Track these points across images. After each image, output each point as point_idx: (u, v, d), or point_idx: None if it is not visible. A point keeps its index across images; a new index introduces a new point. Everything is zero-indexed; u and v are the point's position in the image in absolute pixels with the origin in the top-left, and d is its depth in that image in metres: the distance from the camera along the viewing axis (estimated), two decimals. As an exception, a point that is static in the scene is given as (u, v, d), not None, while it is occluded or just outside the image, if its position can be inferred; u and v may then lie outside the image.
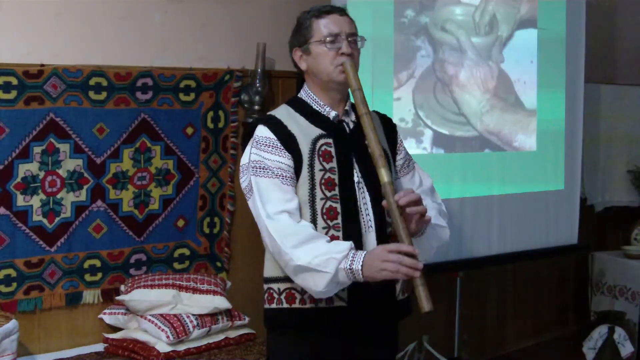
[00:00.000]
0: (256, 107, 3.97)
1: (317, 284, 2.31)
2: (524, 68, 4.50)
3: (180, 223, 3.87)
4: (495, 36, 4.37)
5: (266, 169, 2.41)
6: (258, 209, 2.39)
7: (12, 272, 3.38)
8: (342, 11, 2.52)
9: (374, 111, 2.69)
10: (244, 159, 2.49)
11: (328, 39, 2.45)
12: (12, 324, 3.07)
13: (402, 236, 2.31)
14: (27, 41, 3.39)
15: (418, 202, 2.37)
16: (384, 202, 2.37)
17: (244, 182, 2.47)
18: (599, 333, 4.96)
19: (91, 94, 3.53)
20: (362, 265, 2.29)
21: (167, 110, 3.77)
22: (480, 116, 4.32)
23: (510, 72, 4.44)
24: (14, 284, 3.38)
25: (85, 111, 3.52)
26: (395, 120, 2.75)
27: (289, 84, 4.15)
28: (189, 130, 3.86)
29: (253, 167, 2.43)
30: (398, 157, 2.64)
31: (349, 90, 2.49)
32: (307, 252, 2.31)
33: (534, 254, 4.67)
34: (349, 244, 2.34)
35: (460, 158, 4.24)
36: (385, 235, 2.47)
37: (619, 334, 4.91)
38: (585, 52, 4.79)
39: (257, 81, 3.97)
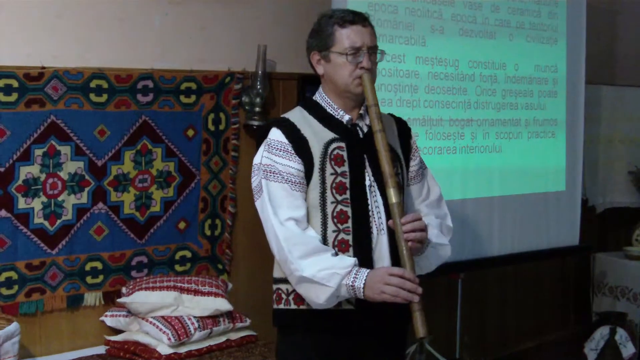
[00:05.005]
0: (257, 109, 3.98)
1: (319, 297, 2.37)
2: (526, 70, 4.50)
3: (182, 225, 3.87)
4: (497, 38, 4.37)
5: (276, 174, 2.44)
6: (269, 214, 2.43)
7: (14, 275, 3.38)
8: (364, 20, 2.51)
9: (389, 114, 2.72)
10: (256, 159, 2.51)
11: (349, 51, 2.45)
12: (14, 326, 3.07)
13: (405, 260, 2.38)
14: (28, 43, 3.39)
15: (423, 229, 2.42)
16: (390, 222, 2.42)
17: (254, 182, 2.50)
18: (601, 334, 4.97)
19: (92, 96, 3.53)
20: (364, 284, 2.35)
21: (168, 112, 3.77)
22: (481, 117, 4.32)
23: (512, 74, 4.44)
24: (16, 287, 3.38)
25: (86, 113, 3.52)
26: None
27: (290, 86, 4.15)
28: (190, 133, 3.86)
29: (264, 170, 2.46)
30: (412, 164, 2.66)
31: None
32: (313, 265, 2.36)
33: (535, 255, 4.66)
34: (353, 261, 2.39)
35: (461, 159, 4.24)
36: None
37: (621, 334, 4.91)
38: (586, 53, 4.79)
39: (258, 83, 3.97)
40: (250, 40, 4.00)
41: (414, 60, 4.02)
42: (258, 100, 3.98)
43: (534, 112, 4.56)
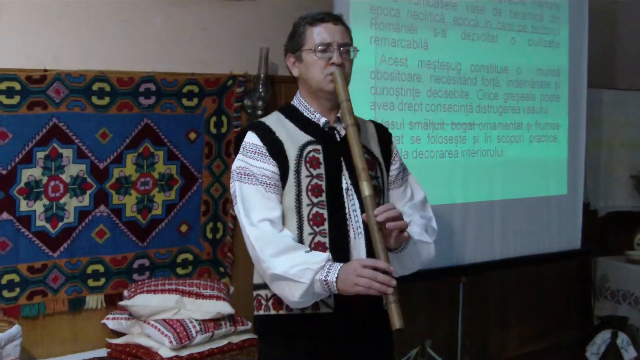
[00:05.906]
0: (259, 112, 3.98)
1: (293, 294, 2.33)
2: (528, 73, 4.51)
3: (184, 228, 3.87)
4: (499, 41, 4.37)
5: (250, 176, 2.42)
6: (241, 216, 2.41)
7: (16, 277, 3.38)
8: (336, 19, 2.51)
9: (371, 120, 2.70)
10: (234, 165, 2.49)
11: (319, 48, 2.45)
12: (16, 329, 3.07)
13: (379, 251, 2.31)
14: (30, 46, 3.40)
15: (397, 217, 2.35)
16: (363, 216, 2.37)
17: (232, 187, 2.49)
18: (602, 338, 4.96)
19: (94, 99, 3.54)
20: (337, 278, 2.30)
21: (170, 115, 3.78)
22: (483, 120, 4.32)
23: (514, 77, 4.44)
24: (17, 289, 3.39)
25: (89, 116, 3.53)
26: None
27: (292, 89, 4.08)
28: (192, 136, 3.86)
29: (238, 174, 2.44)
30: (392, 168, 2.63)
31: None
32: (285, 262, 2.32)
33: (536, 259, 4.66)
34: (326, 255, 2.35)
35: (463, 163, 4.23)
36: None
37: (622, 339, 4.90)
38: (588, 57, 4.79)
39: (260, 86, 3.98)
40: (253, 43, 4.00)
41: (416, 63, 4.02)
42: (260, 103, 3.98)
43: (535, 116, 4.56)
